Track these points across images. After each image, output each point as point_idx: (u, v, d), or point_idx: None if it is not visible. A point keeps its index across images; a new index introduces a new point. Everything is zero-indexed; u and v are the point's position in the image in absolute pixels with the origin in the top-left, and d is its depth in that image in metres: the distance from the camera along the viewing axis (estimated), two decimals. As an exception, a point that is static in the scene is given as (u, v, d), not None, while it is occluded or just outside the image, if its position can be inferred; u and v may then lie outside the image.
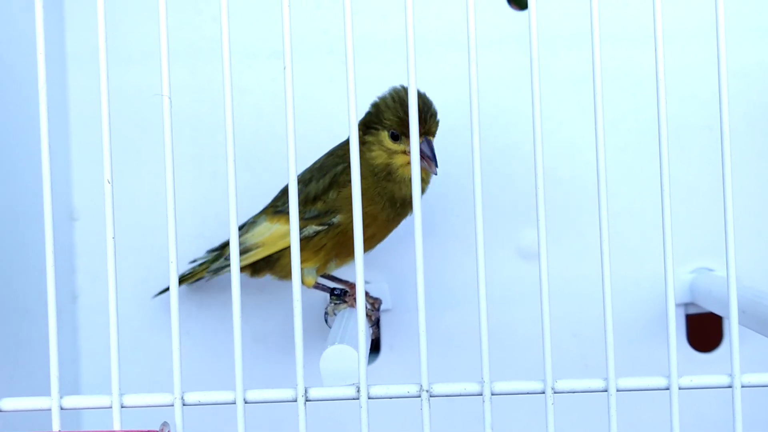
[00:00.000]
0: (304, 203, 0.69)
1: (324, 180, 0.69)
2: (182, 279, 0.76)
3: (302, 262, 0.69)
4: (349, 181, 0.67)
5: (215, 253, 0.77)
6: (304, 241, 0.69)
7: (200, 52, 0.82)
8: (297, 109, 0.80)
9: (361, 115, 0.71)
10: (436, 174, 0.66)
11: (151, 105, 0.82)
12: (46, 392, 0.50)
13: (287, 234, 0.68)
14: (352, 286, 0.72)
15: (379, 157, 0.68)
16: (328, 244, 0.69)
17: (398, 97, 0.67)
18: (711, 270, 0.81)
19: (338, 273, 0.75)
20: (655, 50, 0.50)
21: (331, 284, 0.73)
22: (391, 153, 0.68)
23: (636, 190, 0.82)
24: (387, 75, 0.77)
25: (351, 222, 0.66)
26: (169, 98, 0.48)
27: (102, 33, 0.49)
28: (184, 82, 0.82)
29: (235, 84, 0.81)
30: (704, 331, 0.83)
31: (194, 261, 0.78)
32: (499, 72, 0.82)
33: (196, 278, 0.75)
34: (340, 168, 0.69)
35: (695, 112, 0.82)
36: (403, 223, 0.73)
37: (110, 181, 0.48)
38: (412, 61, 0.50)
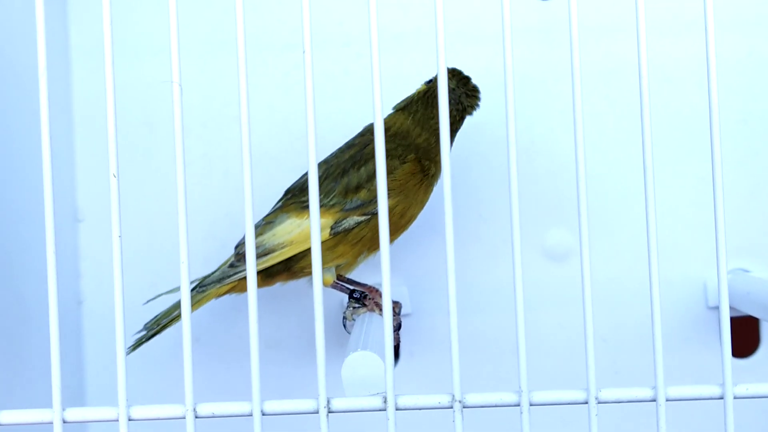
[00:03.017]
0: (344, 194, 0.66)
1: (367, 168, 0.66)
2: (174, 316, 0.69)
3: (338, 257, 0.67)
4: (398, 164, 0.66)
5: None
6: (342, 234, 0.66)
7: (210, 45, 0.79)
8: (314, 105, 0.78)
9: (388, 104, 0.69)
10: None
11: (159, 101, 0.80)
12: (49, 403, 0.47)
13: (323, 228, 0.65)
14: (372, 289, 0.69)
15: None
16: (368, 234, 0.66)
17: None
18: (747, 271, 0.78)
19: (355, 275, 0.71)
20: (706, 42, 0.46)
21: (350, 286, 0.70)
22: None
23: (669, 187, 0.78)
24: (406, 67, 0.74)
25: (398, 206, 0.66)
26: (180, 85, 0.45)
27: (107, 25, 0.45)
28: (194, 77, 0.78)
29: (247, 78, 0.79)
30: (741, 335, 0.80)
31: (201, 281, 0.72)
32: (522, 64, 0.78)
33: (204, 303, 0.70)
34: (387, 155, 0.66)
35: (729, 106, 0.78)
36: (424, 225, 0.69)
37: (116, 175, 0.45)
38: (442, 52, 0.46)
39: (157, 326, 0.68)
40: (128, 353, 0.68)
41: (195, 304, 0.68)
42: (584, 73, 0.78)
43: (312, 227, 0.46)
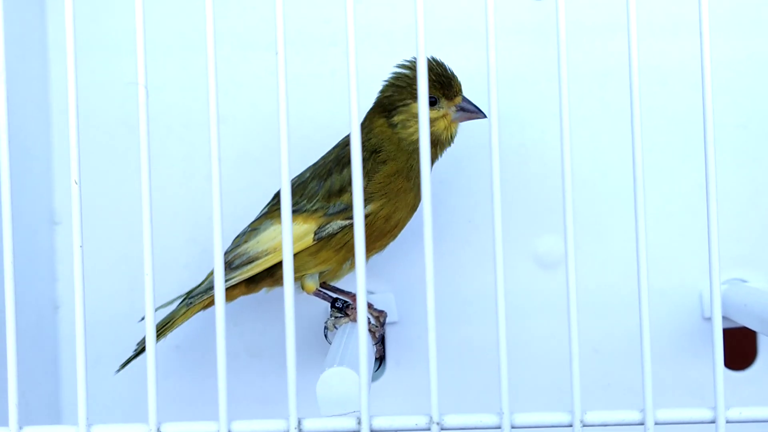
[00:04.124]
0: (327, 197, 0.64)
1: (349, 169, 0.63)
2: (161, 329, 0.66)
3: (321, 263, 0.64)
4: (381, 164, 0.64)
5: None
6: (326, 239, 0.63)
7: (192, 44, 0.76)
8: (297, 104, 0.75)
9: (366, 106, 0.67)
10: (486, 117, 0.64)
11: (138, 101, 0.77)
12: (22, 420, 0.45)
13: (305, 234, 0.63)
14: (355, 298, 0.66)
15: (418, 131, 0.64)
16: (352, 240, 0.63)
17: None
18: (744, 281, 0.75)
19: (340, 283, 0.69)
20: (701, 46, 0.44)
21: (333, 294, 0.67)
22: (432, 121, 0.65)
23: (663, 193, 0.75)
24: (393, 66, 0.71)
25: (382, 210, 0.63)
26: (146, 87, 0.42)
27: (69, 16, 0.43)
28: (175, 76, 0.76)
29: (230, 78, 0.76)
30: (737, 347, 0.77)
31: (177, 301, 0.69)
32: (513, 65, 0.76)
33: (178, 324, 0.67)
34: (366, 154, 0.64)
35: (728, 110, 0.75)
36: (411, 230, 0.67)
37: (78, 181, 0.42)
38: (422, 50, 0.44)
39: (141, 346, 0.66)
40: (118, 371, 0.66)
41: (181, 317, 0.66)
42: (579, 74, 0.76)
43: (284, 236, 0.43)
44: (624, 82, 0.74)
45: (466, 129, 0.71)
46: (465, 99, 0.65)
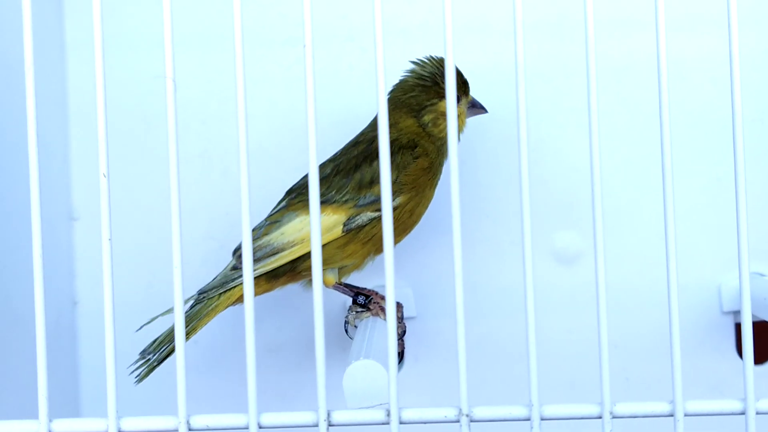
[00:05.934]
0: (357, 189, 0.64)
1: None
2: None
3: (347, 256, 0.65)
4: (415, 158, 0.65)
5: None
6: (354, 231, 0.64)
7: (209, 40, 0.77)
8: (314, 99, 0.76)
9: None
10: (487, 112, 0.69)
11: (157, 96, 0.77)
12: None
13: (335, 225, 0.64)
14: (373, 293, 0.66)
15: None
16: (379, 233, 0.64)
17: (438, 63, 0.68)
18: (763, 275, 0.75)
19: (352, 279, 0.69)
20: (729, 40, 0.44)
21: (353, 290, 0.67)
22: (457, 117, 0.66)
23: (682, 188, 0.75)
24: (410, 64, 0.71)
25: (409, 204, 0.64)
26: (174, 80, 0.42)
27: (98, 21, 0.43)
28: (192, 72, 0.76)
29: (246, 74, 0.76)
30: (756, 341, 0.76)
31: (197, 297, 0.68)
32: (531, 60, 0.75)
33: (204, 323, 0.66)
34: (395, 147, 0.65)
35: (745, 105, 0.75)
36: (428, 224, 0.67)
37: (106, 174, 0.42)
38: (450, 43, 0.44)
39: (162, 350, 0.65)
40: (138, 382, 0.65)
41: (204, 317, 0.65)
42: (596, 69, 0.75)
43: (312, 227, 0.43)
44: (641, 78, 0.74)
45: (484, 123, 0.72)
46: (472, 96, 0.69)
